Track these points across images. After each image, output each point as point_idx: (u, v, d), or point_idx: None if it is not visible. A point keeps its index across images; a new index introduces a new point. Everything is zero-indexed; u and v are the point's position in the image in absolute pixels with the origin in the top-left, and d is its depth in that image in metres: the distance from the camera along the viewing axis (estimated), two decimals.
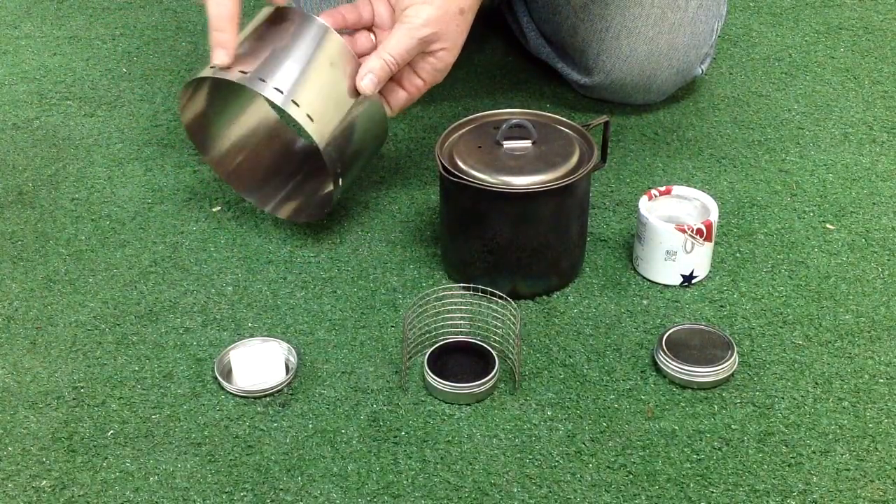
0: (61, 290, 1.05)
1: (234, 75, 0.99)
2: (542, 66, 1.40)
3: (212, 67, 1.00)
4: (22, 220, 1.15)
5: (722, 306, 1.01)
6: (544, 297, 1.02)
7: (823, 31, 1.53)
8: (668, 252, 1.01)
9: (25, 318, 1.01)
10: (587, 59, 1.29)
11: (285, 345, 0.96)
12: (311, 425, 0.89)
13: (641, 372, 0.94)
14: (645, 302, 1.02)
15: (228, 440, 0.88)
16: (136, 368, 0.95)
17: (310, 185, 1.15)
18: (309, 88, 1.00)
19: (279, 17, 1.03)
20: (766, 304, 1.02)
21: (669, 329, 0.96)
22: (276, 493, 0.83)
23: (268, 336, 0.98)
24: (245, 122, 1.17)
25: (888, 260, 1.07)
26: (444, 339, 0.96)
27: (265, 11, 1.04)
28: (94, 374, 0.95)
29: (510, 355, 0.95)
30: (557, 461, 0.86)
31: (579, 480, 0.84)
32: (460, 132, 1.04)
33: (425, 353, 0.94)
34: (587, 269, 1.06)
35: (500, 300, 0.97)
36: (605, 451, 0.86)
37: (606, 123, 1.07)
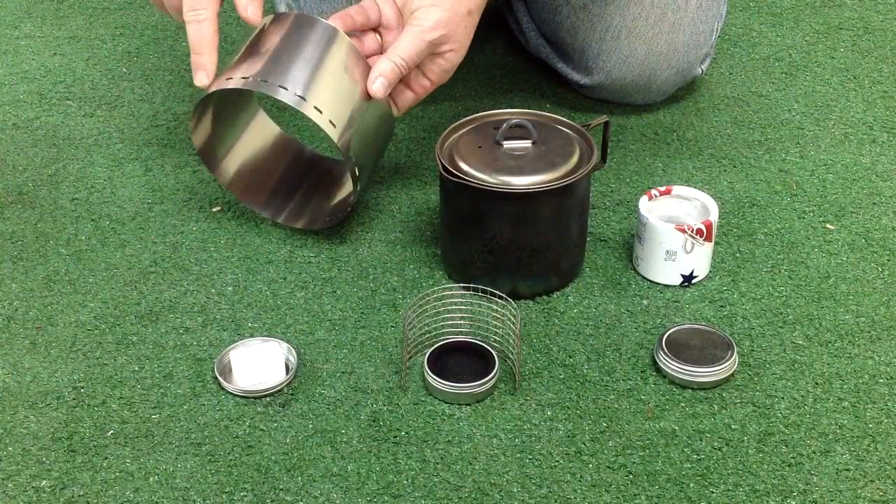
0: (61, 290, 1.05)
1: (253, 84, 0.98)
2: (542, 66, 1.40)
3: (227, 78, 1.00)
4: (22, 220, 1.15)
5: (722, 306, 1.01)
6: (544, 297, 1.02)
7: (823, 31, 1.53)
8: (668, 252, 1.01)
9: (25, 318, 1.01)
10: (587, 59, 1.29)
11: (285, 345, 0.96)
12: (311, 425, 0.89)
13: (641, 372, 0.94)
14: (645, 302, 1.02)
15: (228, 440, 0.88)
16: (136, 368, 0.95)
17: (320, 191, 1.15)
18: (328, 93, 0.99)
19: (285, 23, 1.02)
20: (766, 304, 1.02)
21: (669, 329, 0.96)
22: (276, 493, 0.83)
23: (268, 336, 0.98)
24: (250, 139, 1.16)
25: (888, 260, 1.07)
26: (444, 339, 0.96)
27: (268, 19, 1.04)
28: (94, 374, 0.95)
29: (510, 355, 0.95)
30: (557, 461, 0.86)
31: (579, 480, 0.84)
32: (460, 132, 1.04)
33: (425, 353, 0.94)
34: (587, 269, 1.06)
35: (500, 300, 0.97)
36: (605, 451, 0.86)
37: (606, 123, 1.07)
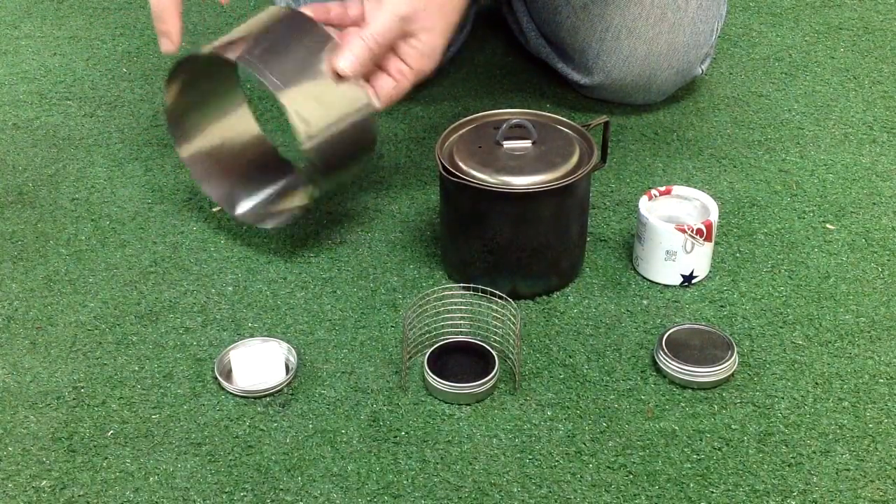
0: (61, 290, 1.05)
1: (238, 55, 0.98)
2: (542, 66, 1.40)
3: (225, 45, 1.00)
4: (22, 220, 1.15)
5: (722, 306, 1.01)
6: (544, 297, 1.02)
7: (823, 31, 1.53)
8: (668, 252, 1.01)
9: (25, 318, 1.01)
10: (587, 59, 1.29)
11: (285, 345, 0.96)
12: (311, 425, 0.89)
13: (641, 372, 0.94)
14: (645, 302, 1.02)
15: (228, 440, 0.88)
16: (136, 368, 0.95)
17: (286, 195, 1.14)
18: (305, 92, 0.99)
19: (286, 19, 1.03)
20: (766, 304, 1.02)
21: (669, 329, 0.96)
22: (276, 493, 0.83)
23: (268, 336, 0.98)
24: (226, 127, 1.14)
25: (888, 260, 1.07)
26: (444, 339, 0.96)
27: (274, 10, 1.04)
28: (94, 374, 0.95)
29: (510, 355, 0.95)
30: (557, 461, 0.86)
31: (579, 480, 0.84)
32: (460, 132, 1.04)
33: (425, 353, 0.94)
34: (587, 269, 1.06)
35: (500, 300, 0.97)
36: (605, 451, 0.86)
37: (606, 123, 1.07)
